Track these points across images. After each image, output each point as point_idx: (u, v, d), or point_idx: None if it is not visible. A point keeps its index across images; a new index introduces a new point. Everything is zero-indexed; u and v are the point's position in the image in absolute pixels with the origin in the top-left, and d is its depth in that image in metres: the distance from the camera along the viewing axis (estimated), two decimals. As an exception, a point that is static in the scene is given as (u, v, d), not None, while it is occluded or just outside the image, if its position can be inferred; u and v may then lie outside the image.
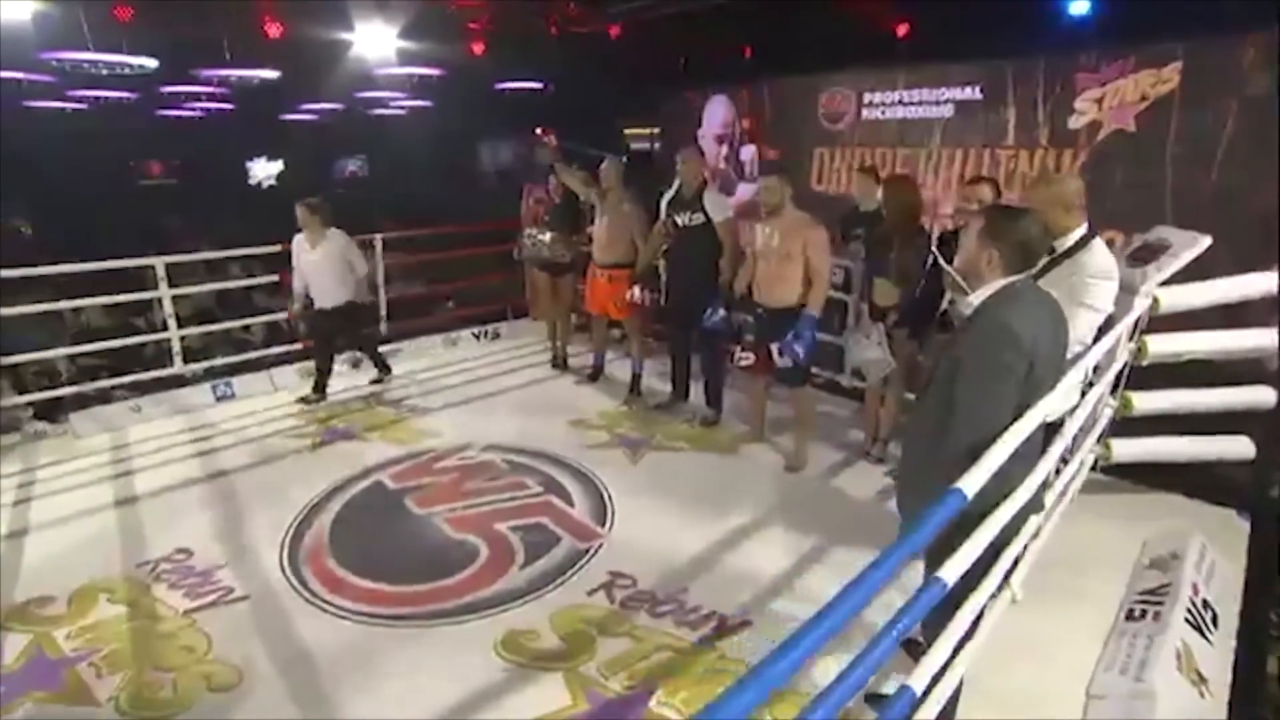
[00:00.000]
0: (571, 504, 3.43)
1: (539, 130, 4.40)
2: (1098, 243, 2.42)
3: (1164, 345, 2.96)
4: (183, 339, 4.69)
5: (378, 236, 5.29)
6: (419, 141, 14.72)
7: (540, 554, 3.02)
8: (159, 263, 4.37)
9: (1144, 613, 2.47)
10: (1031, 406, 1.63)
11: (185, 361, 4.75)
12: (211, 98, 10.19)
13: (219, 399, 4.81)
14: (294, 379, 5.17)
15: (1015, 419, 1.60)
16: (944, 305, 3.19)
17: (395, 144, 15.35)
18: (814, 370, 3.91)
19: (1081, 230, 2.44)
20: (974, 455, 1.59)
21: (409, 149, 15.17)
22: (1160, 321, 2.95)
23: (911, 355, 3.58)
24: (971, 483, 1.36)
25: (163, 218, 12.93)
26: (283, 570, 2.91)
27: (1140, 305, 2.79)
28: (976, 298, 1.72)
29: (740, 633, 2.52)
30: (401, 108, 13.94)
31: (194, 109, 11.86)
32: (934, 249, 2.88)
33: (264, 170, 16.22)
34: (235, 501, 3.49)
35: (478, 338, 6.08)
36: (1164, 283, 2.84)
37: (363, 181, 16.93)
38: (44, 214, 11.70)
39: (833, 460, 3.86)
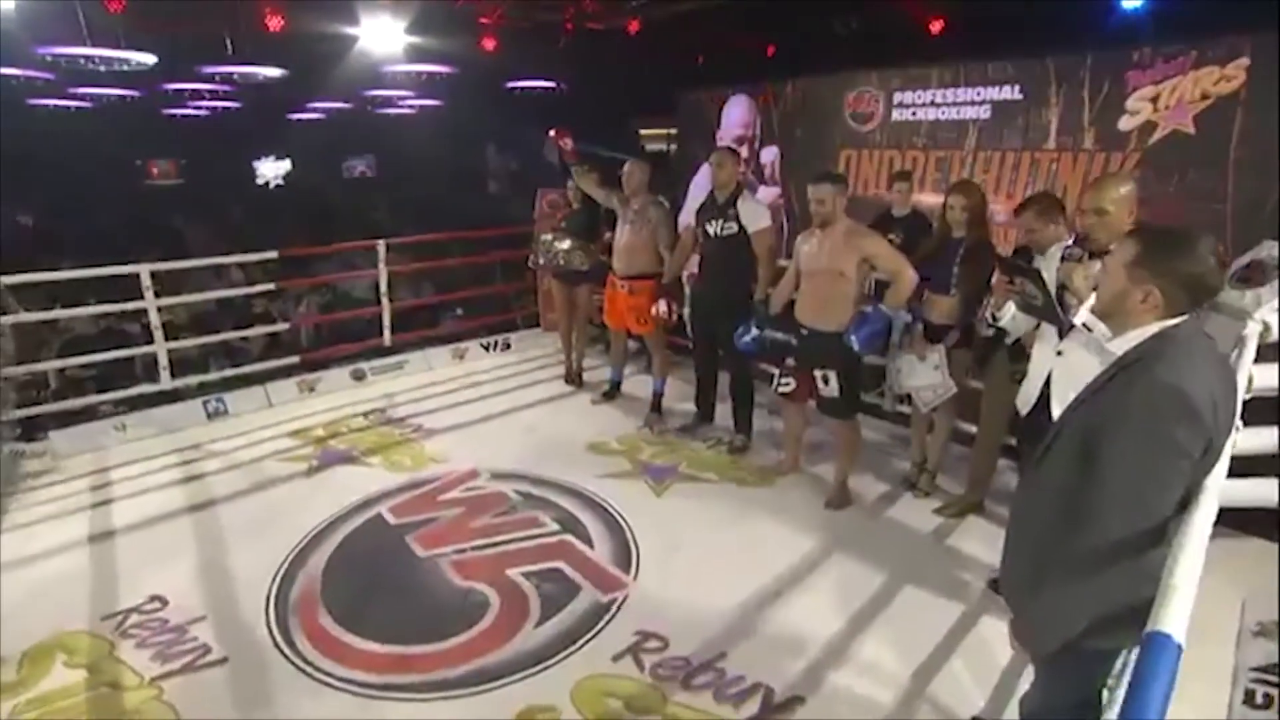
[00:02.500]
0: (591, 545, 3.08)
1: (552, 131, 4.06)
2: None
3: (1269, 377, 2.59)
4: (170, 352, 4.37)
5: (380, 243, 4.97)
6: (429, 142, 14.46)
7: (559, 607, 2.68)
8: (144, 270, 4.05)
9: (1267, 698, 2.11)
10: (1202, 490, 1.27)
11: (180, 374, 4.46)
12: (215, 95, 9.93)
13: (211, 416, 4.50)
14: (292, 393, 4.87)
15: (1181, 508, 1.25)
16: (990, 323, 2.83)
17: (405, 144, 15.08)
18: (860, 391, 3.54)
19: None
20: (1127, 554, 1.24)
21: (418, 149, 14.90)
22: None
23: (962, 376, 3.24)
24: (1176, 623, 1.00)
25: (169, 218, 12.69)
26: (268, 625, 2.58)
27: (1250, 331, 2.42)
28: (1120, 343, 1.36)
29: (792, 713, 2.17)
30: (411, 107, 13.65)
31: (199, 108, 11.61)
32: (1031, 270, 2.51)
33: (272, 170, 15.98)
34: (220, 537, 3.17)
35: (487, 349, 5.75)
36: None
37: (371, 182, 16.67)
38: (46, 213, 11.48)
39: (876, 494, 3.51)
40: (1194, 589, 1.07)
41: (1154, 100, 5.47)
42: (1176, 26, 5.25)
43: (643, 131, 10.61)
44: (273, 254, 4.47)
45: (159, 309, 4.22)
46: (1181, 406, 1.22)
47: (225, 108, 11.68)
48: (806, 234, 3.17)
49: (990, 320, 2.60)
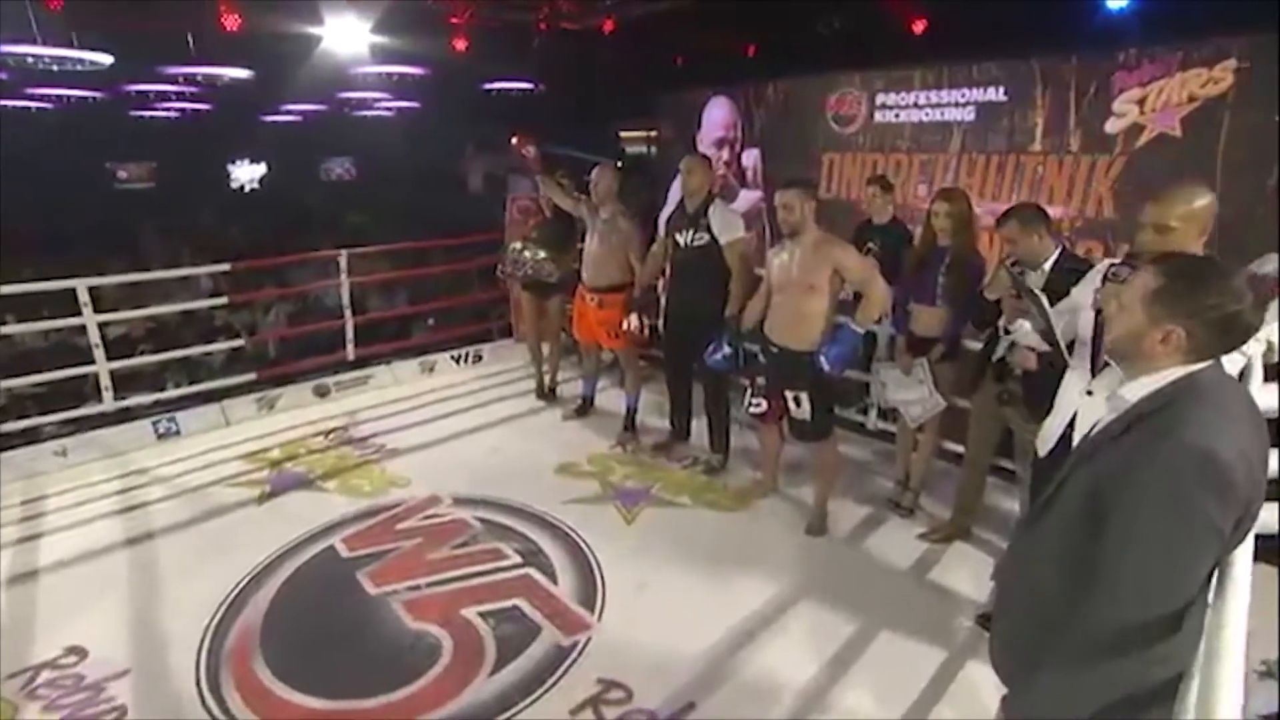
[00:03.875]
0: (555, 580, 2.89)
1: (515, 139, 3.86)
2: None
3: (1269, 398, 2.43)
4: (118, 369, 4.13)
5: (342, 253, 4.74)
6: (408, 144, 14.19)
7: (516, 651, 2.48)
8: (81, 285, 3.80)
9: (1274, 754, 1.94)
10: (1232, 564, 1.10)
11: (132, 392, 4.22)
12: (183, 97, 9.63)
13: (161, 437, 4.25)
14: (250, 410, 4.64)
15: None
16: (1002, 349, 2.69)
17: (384, 146, 14.80)
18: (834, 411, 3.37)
19: None
20: (1143, 640, 1.07)
21: (398, 152, 14.63)
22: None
23: (950, 391, 3.08)
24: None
25: (139, 222, 12.33)
26: (198, 679, 2.37)
27: (1254, 351, 2.26)
28: (1136, 388, 1.18)
29: (764, 777, 1.99)
30: (389, 109, 13.39)
31: (169, 109, 11.28)
32: (1030, 287, 2.34)
33: (247, 173, 15.64)
34: (156, 575, 2.94)
35: (457, 361, 5.53)
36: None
37: (350, 185, 16.36)
38: (7, 215, 11.07)
39: (858, 517, 3.34)
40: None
41: (1140, 102, 5.35)
42: (1163, 27, 5.13)
43: (624, 134, 10.43)
44: (225, 266, 4.23)
45: (108, 323, 3.98)
46: (1212, 475, 1.03)
47: (196, 110, 11.37)
48: (779, 246, 2.99)
49: (1006, 332, 2.46)
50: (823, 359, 2.86)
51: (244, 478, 3.81)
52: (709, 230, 3.28)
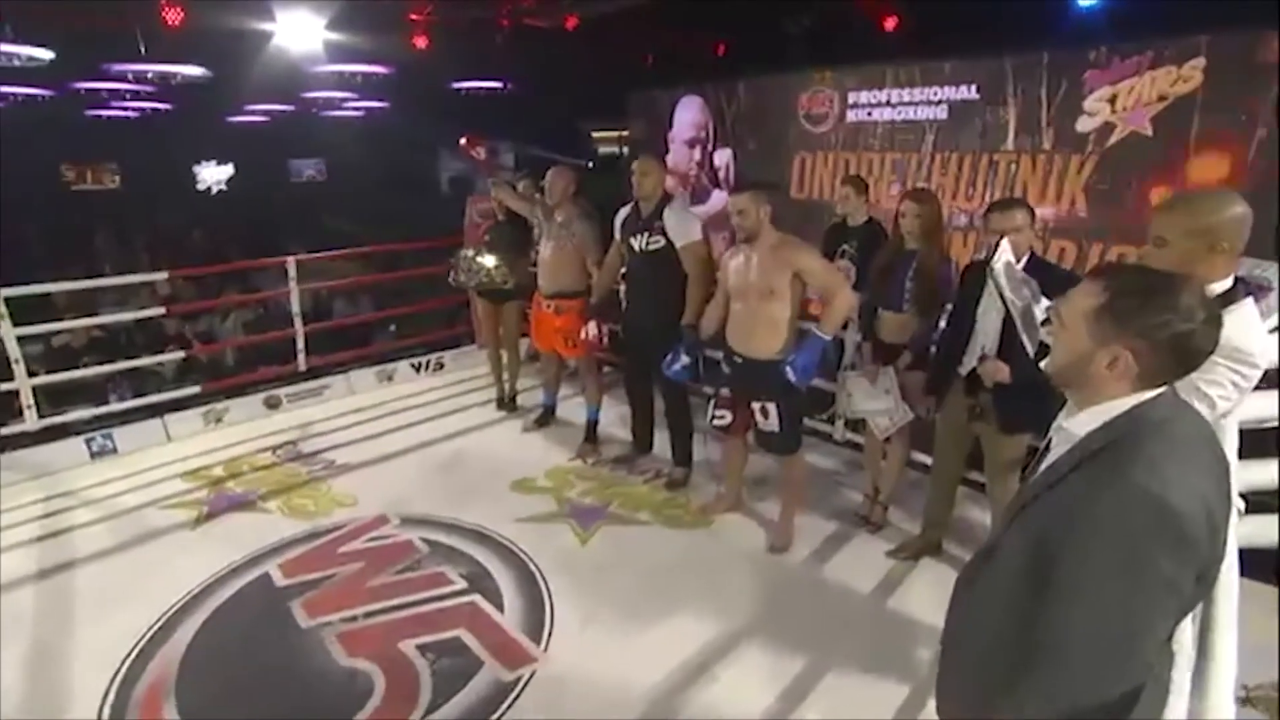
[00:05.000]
0: (501, 608, 2.71)
1: (464, 140, 3.67)
2: (1249, 306, 1.58)
3: (1252, 408, 2.32)
4: (44, 386, 3.89)
5: (290, 259, 4.52)
6: (380, 145, 13.88)
7: (453, 689, 2.31)
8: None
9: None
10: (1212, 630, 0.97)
11: (66, 407, 3.97)
12: (138, 96, 9.28)
13: (95, 455, 4.02)
14: (196, 425, 4.42)
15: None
16: (971, 361, 2.56)
17: (356, 147, 14.47)
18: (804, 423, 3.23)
19: (1227, 283, 1.58)
20: (1098, 703, 0.92)
21: (370, 153, 14.32)
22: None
23: (918, 401, 2.95)
24: None
25: (97, 226, 11.91)
26: (99, 729, 2.17)
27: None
28: (1084, 420, 1.04)
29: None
30: (359, 109, 13.10)
31: (126, 109, 10.90)
32: (1003, 291, 2.20)
33: (214, 175, 15.23)
34: (70, 610, 2.73)
35: (418, 369, 5.34)
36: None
37: (321, 186, 15.99)
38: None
39: (824, 534, 3.20)
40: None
41: (1112, 101, 5.28)
42: (1133, 26, 5.07)
43: (595, 134, 10.26)
44: (162, 275, 4.00)
45: (48, 334, 3.74)
46: (1166, 527, 0.90)
47: (155, 109, 10.99)
48: (734, 250, 2.84)
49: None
50: (789, 369, 2.72)
51: (181, 498, 3.59)
52: (664, 234, 3.12)
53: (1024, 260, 2.42)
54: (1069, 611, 0.93)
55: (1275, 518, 2.20)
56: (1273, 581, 2.53)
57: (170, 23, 4.74)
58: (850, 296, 2.76)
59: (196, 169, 14.89)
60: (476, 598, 2.76)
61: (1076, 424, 1.05)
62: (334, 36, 5.97)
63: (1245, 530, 1.89)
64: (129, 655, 2.47)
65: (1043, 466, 1.10)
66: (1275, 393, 2.05)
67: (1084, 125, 5.49)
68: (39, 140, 10.62)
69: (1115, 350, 0.99)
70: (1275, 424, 2.01)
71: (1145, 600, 0.91)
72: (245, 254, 8.64)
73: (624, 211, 3.30)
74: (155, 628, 2.61)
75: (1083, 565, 0.93)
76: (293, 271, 4.54)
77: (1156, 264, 1.64)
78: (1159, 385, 1.00)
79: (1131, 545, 0.90)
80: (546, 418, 4.28)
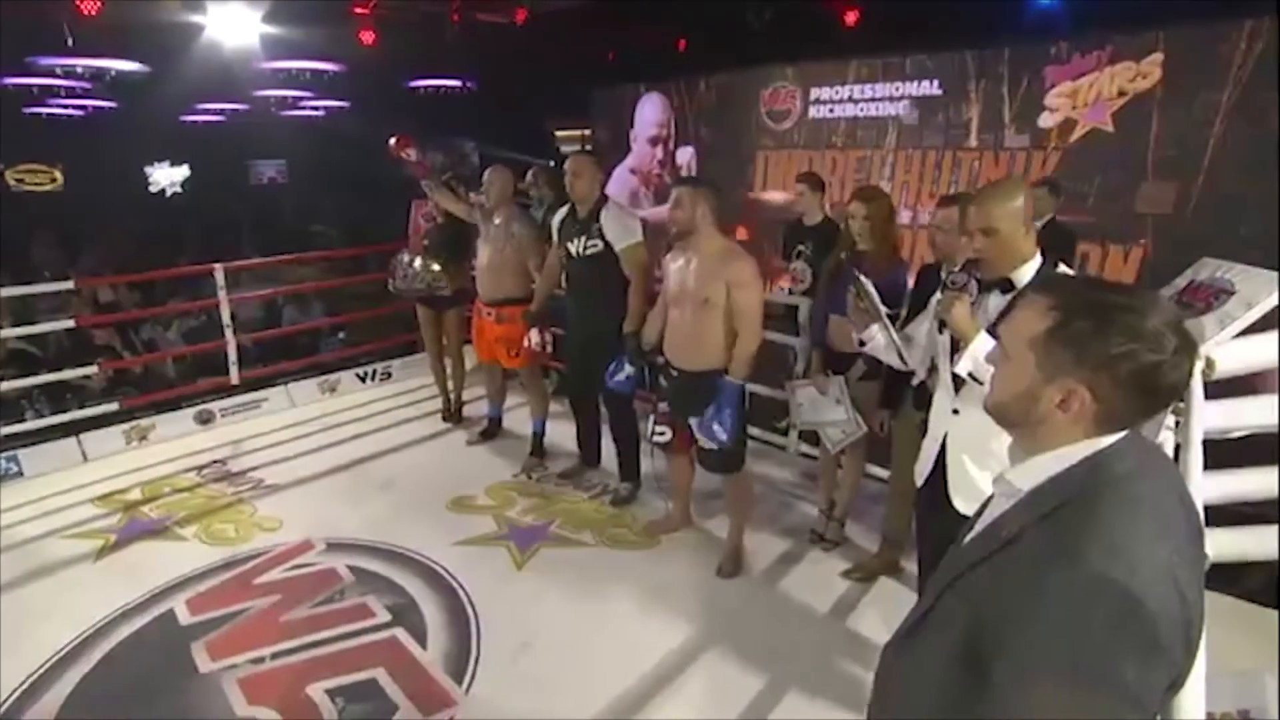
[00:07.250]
0: (424, 643, 2.50)
1: (394, 140, 3.45)
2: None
3: (1213, 418, 2.18)
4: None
5: (217, 267, 4.24)
6: (341, 145, 13.47)
7: (361, 740, 2.10)
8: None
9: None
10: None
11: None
12: (74, 93, 8.84)
13: None
14: (117, 443, 4.13)
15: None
16: (922, 373, 2.40)
17: (317, 148, 14.03)
18: (751, 433, 3.05)
19: (1037, 260, 1.71)
20: None
21: (331, 153, 13.89)
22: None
23: (873, 413, 2.79)
24: None
25: (37, 231, 11.37)
26: (-50, 802, 1.92)
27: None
28: (1030, 474, 0.85)
29: None
30: (318, 108, 12.71)
31: (68, 106, 10.41)
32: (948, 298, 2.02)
33: (167, 176, 14.69)
34: (-57, 659, 2.46)
35: (363, 379, 5.08)
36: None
37: (283, 189, 15.52)
38: None
39: (776, 552, 3.02)
40: None
41: (1073, 96, 5.21)
42: (1091, 22, 4.99)
43: (558, 132, 10.05)
44: (69, 283, 3.71)
45: None
46: (1131, 624, 0.71)
47: (99, 107, 10.52)
48: (675, 251, 2.64)
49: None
50: (718, 429, 2.53)
51: (88, 526, 3.32)
52: (602, 237, 2.92)
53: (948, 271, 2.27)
54: None
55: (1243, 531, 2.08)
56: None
57: (86, 12, 4.42)
58: (754, 342, 2.55)
59: (149, 170, 14.33)
60: (399, 632, 2.54)
61: (1021, 475, 0.86)
62: (272, 30, 5.68)
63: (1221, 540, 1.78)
64: None
65: (980, 525, 0.91)
66: (1242, 400, 1.92)
67: (1046, 121, 5.42)
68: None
69: (1068, 386, 0.80)
70: (1238, 434, 1.89)
71: (1104, 715, 0.72)
72: (200, 258, 8.30)
73: (561, 213, 3.09)
74: (35, 676, 2.35)
75: (1026, 669, 0.74)
76: (220, 280, 4.26)
77: (991, 255, 1.68)
78: (1120, 429, 0.82)
79: (1088, 647, 0.71)
80: (492, 430, 4.06)
